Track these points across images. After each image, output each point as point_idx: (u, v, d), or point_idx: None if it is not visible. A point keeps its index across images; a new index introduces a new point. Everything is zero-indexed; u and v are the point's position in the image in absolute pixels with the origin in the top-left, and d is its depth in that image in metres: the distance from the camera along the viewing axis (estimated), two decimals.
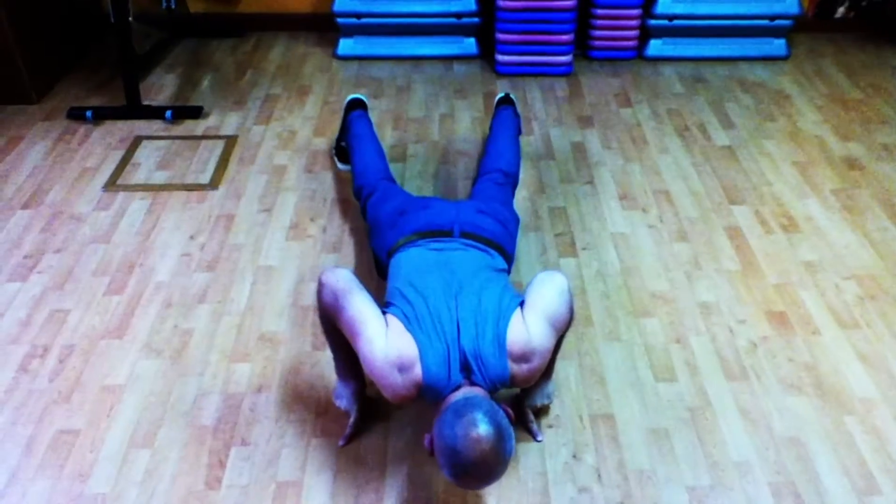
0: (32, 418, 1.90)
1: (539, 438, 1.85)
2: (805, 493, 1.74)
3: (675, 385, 2.00)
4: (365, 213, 2.30)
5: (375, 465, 1.80)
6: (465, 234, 1.96)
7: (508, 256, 2.02)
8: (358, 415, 1.85)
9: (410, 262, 1.87)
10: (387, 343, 1.61)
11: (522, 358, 1.63)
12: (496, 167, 2.43)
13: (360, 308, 1.65)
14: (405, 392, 1.60)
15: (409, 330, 1.63)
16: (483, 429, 1.45)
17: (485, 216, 2.05)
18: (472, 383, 1.61)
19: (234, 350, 2.10)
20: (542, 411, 1.91)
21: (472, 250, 1.91)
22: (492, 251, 1.94)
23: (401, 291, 1.76)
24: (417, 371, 1.59)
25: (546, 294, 1.70)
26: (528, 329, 1.65)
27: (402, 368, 1.59)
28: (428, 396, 1.62)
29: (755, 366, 2.06)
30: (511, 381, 1.65)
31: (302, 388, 1.99)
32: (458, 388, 1.60)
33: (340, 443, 1.84)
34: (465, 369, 1.62)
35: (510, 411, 1.60)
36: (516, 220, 2.20)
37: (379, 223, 2.15)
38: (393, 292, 1.79)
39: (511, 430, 1.52)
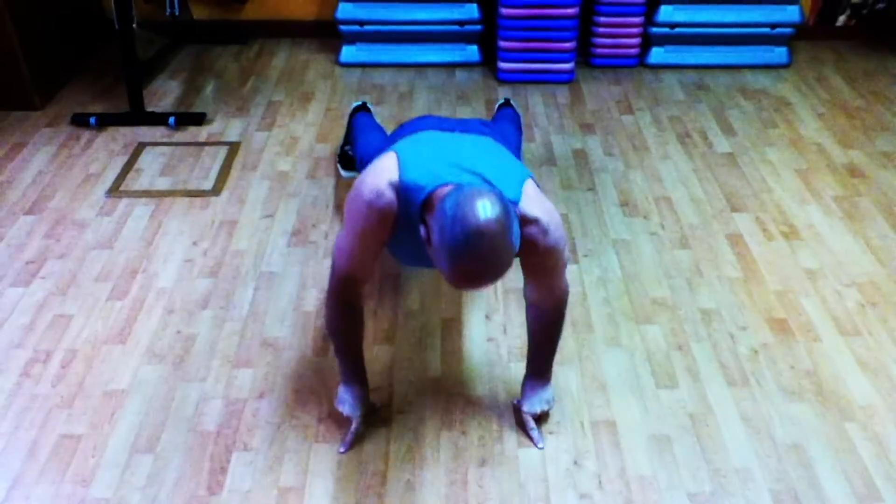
0: (35, 423, 1.91)
1: (540, 445, 1.85)
2: (806, 499, 1.74)
3: (677, 391, 2.01)
4: None
5: (377, 471, 1.80)
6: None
7: None
8: (360, 421, 1.84)
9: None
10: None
11: (539, 205, 1.55)
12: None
13: None
14: (375, 190, 1.52)
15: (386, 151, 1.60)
16: (489, 198, 1.32)
17: (487, 128, 1.96)
18: None
19: (236, 355, 2.10)
20: (542, 418, 1.91)
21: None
22: None
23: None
24: (395, 172, 1.52)
25: None
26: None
27: (375, 172, 1.53)
28: (408, 192, 1.51)
29: (756, 372, 2.06)
30: (521, 223, 1.52)
31: (304, 394, 1.99)
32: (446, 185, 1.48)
33: (342, 449, 1.84)
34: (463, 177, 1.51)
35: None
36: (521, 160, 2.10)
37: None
38: None
39: (517, 221, 1.39)
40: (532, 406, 1.87)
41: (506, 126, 2.52)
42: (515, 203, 1.54)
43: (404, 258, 1.73)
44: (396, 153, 1.57)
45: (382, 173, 1.54)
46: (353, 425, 1.84)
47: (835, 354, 2.12)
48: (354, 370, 1.83)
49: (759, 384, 2.03)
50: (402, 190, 1.52)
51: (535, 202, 1.57)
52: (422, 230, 1.44)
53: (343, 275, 1.70)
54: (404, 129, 1.95)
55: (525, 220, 1.55)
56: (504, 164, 1.61)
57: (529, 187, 1.58)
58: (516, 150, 2.37)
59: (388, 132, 3.12)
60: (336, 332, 1.78)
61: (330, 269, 1.74)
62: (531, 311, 1.80)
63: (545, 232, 1.57)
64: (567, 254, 1.68)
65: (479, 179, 1.53)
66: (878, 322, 2.22)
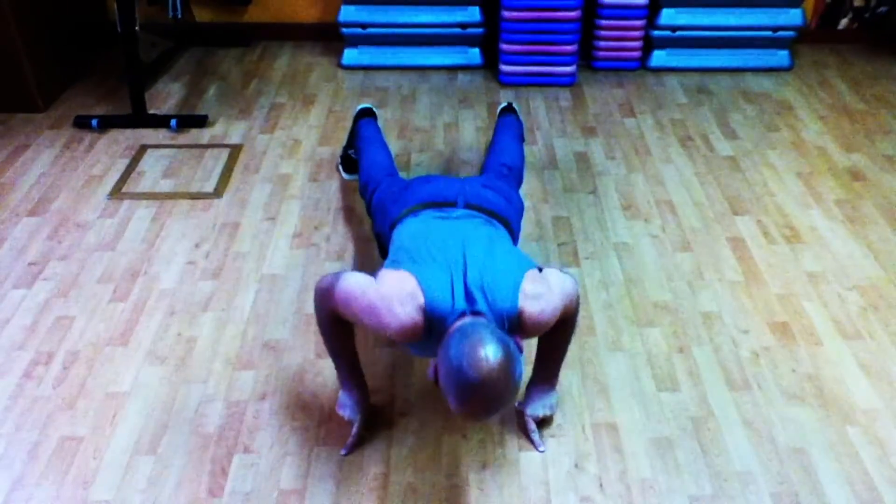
0: (37, 425, 1.91)
1: (541, 449, 1.85)
2: (808, 503, 1.73)
3: (678, 395, 2.00)
4: (370, 208, 2.27)
5: (378, 474, 1.80)
6: (469, 206, 1.94)
7: (514, 233, 2.01)
8: (361, 424, 1.85)
9: (412, 228, 1.85)
10: (380, 284, 1.61)
11: (535, 297, 1.61)
12: (499, 161, 2.42)
13: (352, 277, 1.66)
14: (409, 321, 1.56)
15: (403, 268, 1.63)
16: (491, 346, 1.40)
17: (489, 190, 2.04)
18: (477, 313, 1.56)
19: (237, 358, 2.10)
20: (544, 422, 1.91)
21: (477, 219, 1.88)
22: (497, 223, 1.92)
23: (398, 250, 1.76)
24: (420, 297, 1.56)
25: (559, 276, 1.72)
26: (545, 278, 1.66)
27: (402, 299, 1.57)
28: (433, 322, 1.57)
29: (758, 376, 2.06)
30: (519, 318, 1.60)
31: (305, 396, 1.99)
32: (462, 315, 1.56)
33: (343, 451, 1.84)
34: (470, 300, 1.58)
35: (520, 342, 1.55)
36: (521, 203, 2.17)
37: (383, 204, 2.12)
38: (390, 257, 1.78)
39: (520, 356, 1.47)
40: (535, 410, 1.87)
41: (508, 143, 2.54)
42: (514, 308, 1.60)
43: (413, 351, 1.75)
44: (416, 277, 1.60)
45: (410, 300, 1.57)
46: (355, 428, 1.84)
47: (836, 358, 2.12)
48: (352, 374, 1.83)
49: (761, 387, 2.02)
50: (428, 317, 1.57)
51: (532, 300, 1.61)
52: (430, 372, 1.53)
53: (340, 317, 1.71)
54: (409, 196, 2.01)
55: (524, 314, 1.61)
56: (504, 264, 1.66)
57: (528, 284, 1.62)
58: (518, 174, 2.43)
59: (391, 136, 3.13)
60: (329, 336, 1.77)
61: (326, 289, 1.70)
62: None
63: (541, 318, 1.63)
64: (569, 283, 1.72)
65: (486, 306, 1.58)
66: (880, 325, 2.22)
